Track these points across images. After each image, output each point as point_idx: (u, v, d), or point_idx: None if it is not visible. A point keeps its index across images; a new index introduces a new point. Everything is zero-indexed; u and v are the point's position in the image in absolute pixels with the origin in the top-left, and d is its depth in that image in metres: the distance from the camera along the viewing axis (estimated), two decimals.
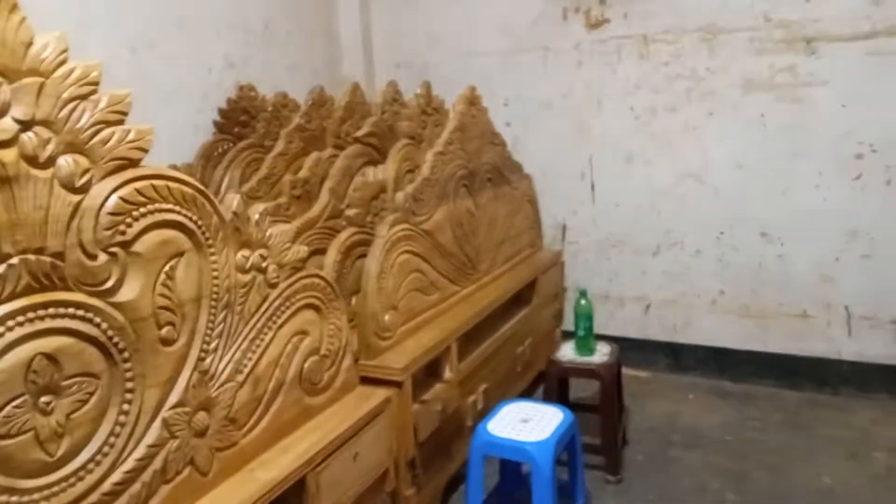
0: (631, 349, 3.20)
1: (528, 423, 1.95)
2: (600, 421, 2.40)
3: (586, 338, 2.45)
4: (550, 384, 2.47)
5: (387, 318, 2.02)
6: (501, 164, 2.94)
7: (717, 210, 3.09)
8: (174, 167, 2.72)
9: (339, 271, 2.16)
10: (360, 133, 2.59)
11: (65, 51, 0.99)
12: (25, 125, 0.94)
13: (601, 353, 2.47)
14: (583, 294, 2.47)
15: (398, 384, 1.89)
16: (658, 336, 3.31)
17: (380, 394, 1.76)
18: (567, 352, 2.50)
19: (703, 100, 3.05)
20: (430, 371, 2.16)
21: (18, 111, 0.93)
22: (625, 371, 2.76)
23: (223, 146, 2.97)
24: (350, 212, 2.24)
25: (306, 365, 1.59)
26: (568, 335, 2.98)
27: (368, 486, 1.69)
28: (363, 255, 2.21)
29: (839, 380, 2.92)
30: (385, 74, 3.78)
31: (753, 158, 2.97)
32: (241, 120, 3.07)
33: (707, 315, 3.18)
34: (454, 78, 3.38)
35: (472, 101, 2.62)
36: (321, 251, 2.24)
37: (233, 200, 1.35)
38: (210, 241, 1.28)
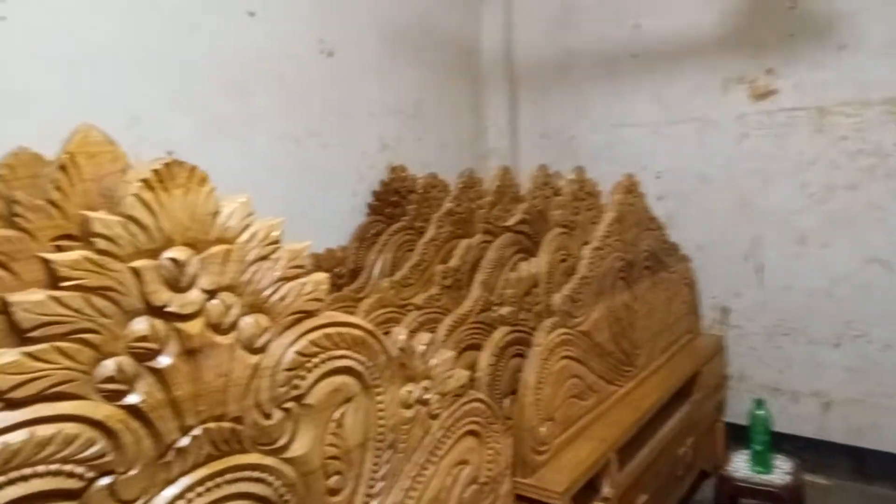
0: (805, 449, 2.86)
1: None
2: None
3: (763, 453, 2.19)
4: (719, 500, 2.22)
5: (543, 430, 1.90)
6: (658, 248, 2.76)
7: None
8: (331, 251, 2.82)
9: (493, 373, 2.07)
10: (510, 222, 2.53)
11: (250, 214, 0.99)
12: (212, 294, 0.94)
13: (780, 471, 2.19)
14: (759, 403, 2.22)
15: None
16: (839, 438, 2.92)
17: None
18: (740, 465, 2.25)
19: (892, 178, 2.71)
20: (586, 486, 2.00)
21: (205, 281, 0.93)
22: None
23: (376, 227, 3.02)
24: (503, 310, 2.16)
25: (466, 495, 1.50)
26: (733, 429, 2.71)
27: None
28: (517, 355, 2.12)
29: None
30: (530, 145, 3.74)
31: None
32: (392, 201, 3.12)
33: None
34: (601, 150, 3.27)
35: (630, 189, 2.48)
36: (473, 346, 2.17)
37: (399, 335, 1.30)
38: (377, 381, 1.24)
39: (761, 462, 2.18)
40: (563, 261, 2.40)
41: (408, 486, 1.33)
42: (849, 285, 2.84)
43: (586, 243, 2.30)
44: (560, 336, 1.99)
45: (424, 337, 1.39)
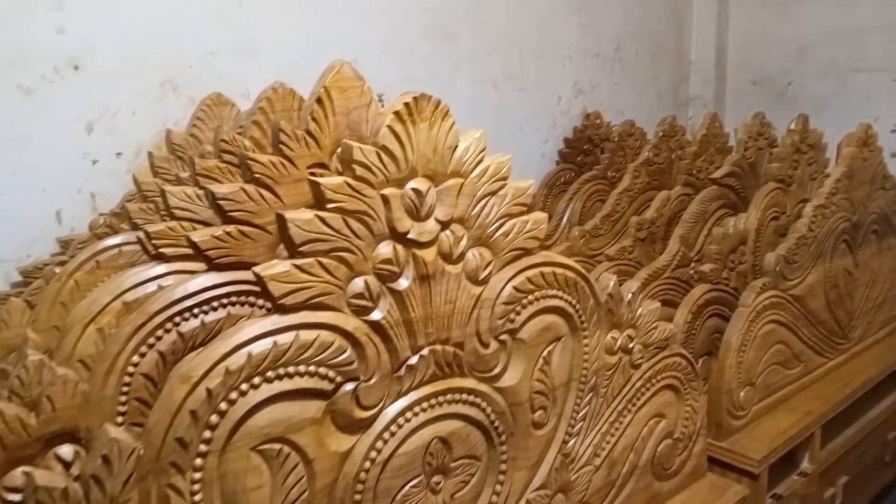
0: None
1: None
2: None
3: None
4: None
5: (742, 394, 1.81)
6: (890, 211, 2.44)
7: None
8: None
9: (689, 331, 1.99)
10: (717, 174, 2.37)
11: (483, 150, 1.02)
12: (445, 225, 0.99)
13: None
14: None
15: (753, 476, 1.67)
16: None
17: (735, 490, 1.58)
18: None
19: None
20: (786, 458, 1.88)
21: (441, 212, 0.98)
22: None
23: (566, 176, 2.99)
24: (705, 267, 2.05)
25: (659, 449, 1.48)
26: None
27: None
28: (715, 315, 2.02)
29: None
30: (737, 94, 3.45)
31: None
32: (584, 149, 3.05)
33: None
34: (825, 98, 2.93)
35: (865, 141, 2.20)
36: (667, 303, 2.09)
37: (609, 281, 1.29)
38: (585, 325, 1.25)
39: None
40: (776, 219, 2.21)
41: (605, 430, 1.34)
42: None
43: (806, 200, 2.10)
44: (770, 298, 1.86)
45: (632, 285, 1.36)
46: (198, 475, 0.80)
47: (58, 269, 1.30)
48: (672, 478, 1.54)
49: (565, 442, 1.25)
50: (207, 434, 0.80)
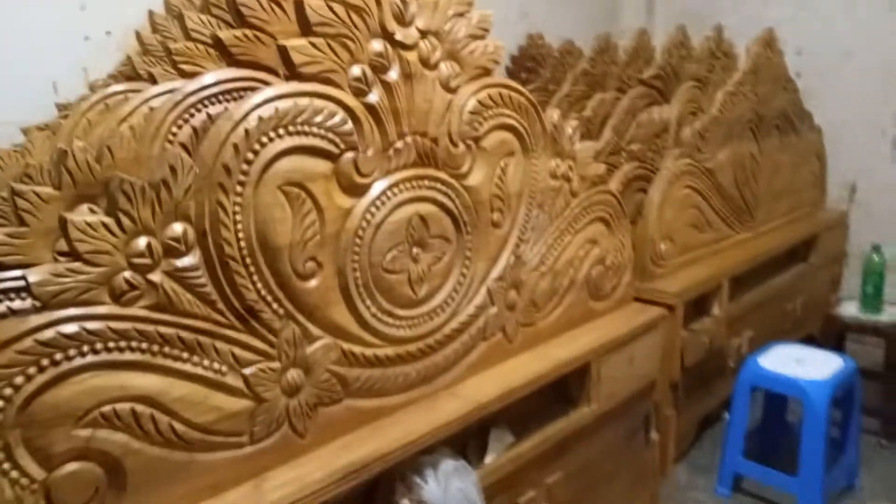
0: None
1: (803, 363, 1.94)
2: (881, 383, 2.27)
3: (875, 296, 2.31)
4: (827, 338, 2.37)
5: (663, 246, 2.13)
6: (791, 111, 2.81)
7: None
8: None
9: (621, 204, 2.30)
10: (644, 75, 2.67)
11: None
12: (423, 34, 1.23)
13: (889, 313, 2.31)
14: (876, 249, 2.32)
15: (671, 308, 1.99)
16: None
17: (655, 310, 1.89)
18: (850, 309, 2.38)
19: None
20: (699, 307, 2.22)
21: (420, 22, 1.22)
22: None
23: None
24: (633, 146, 2.35)
25: (593, 271, 1.77)
26: None
27: (638, 391, 1.84)
28: (641, 190, 2.32)
29: None
30: (668, 27, 3.75)
31: None
32: (527, 66, 3.31)
33: None
34: (743, 29, 3.25)
35: (768, 42, 2.54)
36: None
37: (554, 114, 1.55)
38: (533, 147, 1.51)
39: (872, 305, 2.30)
40: (693, 113, 2.53)
41: (550, 243, 1.62)
42: None
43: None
44: (685, 166, 2.18)
45: (573, 122, 1.63)
46: (238, 199, 1.02)
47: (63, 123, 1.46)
48: (604, 300, 1.84)
49: (518, 245, 1.52)
50: (245, 167, 1.02)
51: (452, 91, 1.30)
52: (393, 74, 1.19)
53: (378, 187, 1.21)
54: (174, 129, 1.10)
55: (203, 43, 1.27)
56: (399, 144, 1.23)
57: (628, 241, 1.89)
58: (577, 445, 1.66)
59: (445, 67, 1.28)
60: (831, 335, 2.34)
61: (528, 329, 1.60)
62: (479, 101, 1.35)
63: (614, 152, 2.52)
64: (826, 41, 3.20)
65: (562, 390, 1.66)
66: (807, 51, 3.24)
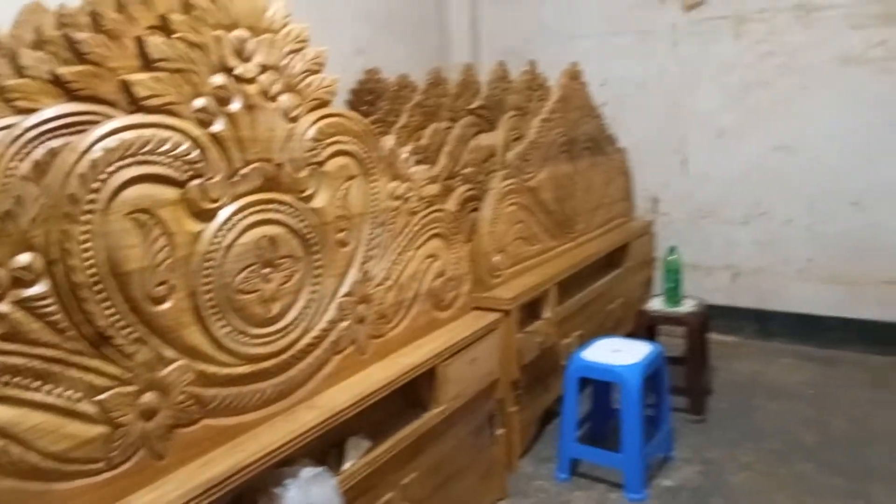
0: (719, 316, 3.37)
1: (620, 352, 2.22)
2: (686, 367, 2.63)
3: (675, 290, 2.68)
4: (640, 331, 2.71)
5: (496, 258, 2.34)
6: (598, 135, 3.20)
7: (809, 181, 3.22)
8: None
9: (455, 220, 2.49)
10: (473, 106, 2.92)
11: (288, 14, 1.36)
12: (263, 68, 1.32)
13: (688, 305, 2.69)
14: (672, 250, 2.70)
15: (506, 312, 2.20)
16: (746, 303, 3.47)
17: (492, 315, 2.08)
18: (656, 304, 2.74)
19: (797, 75, 3.19)
20: (532, 311, 2.46)
21: (259, 58, 1.31)
22: (713, 336, 2.97)
23: None
24: (465, 171, 2.57)
25: (435, 283, 1.93)
26: None
27: (483, 389, 2.01)
28: (475, 210, 2.54)
29: None
30: (491, 61, 4.09)
31: (845, 130, 3.09)
32: (367, 99, 3.47)
33: (795, 283, 3.32)
34: (556, 61, 3.63)
35: (574, 75, 2.89)
36: None
37: (389, 140, 1.70)
38: (372, 170, 1.64)
39: (672, 298, 2.67)
40: (516, 139, 2.81)
41: (394, 259, 1.75)
42: (758, 171, 3.34)
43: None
44: (511, 185, 2.42)
45: (408, 148, 1.79)
46: (87, 227, 1.04)
47: None
48: (447, 309, 2.00)
49: (364, 262, 1.64)
50: (92, 196, 1.05)
51: (293, 120, 1.40)
52: (235, 105, 1.27)
53: (226, 212, 1.27)
54: (14, 164, 1.10)
55: (39, 79, 1.27)
56: (245, 170, 1.31)
57: (464, 255, 2.08)
58: (429, 446, 1.78)
59: (285, 99, 1.38)
60: (643, 328, 2.68)
61: (379, 340, 1.71)
62: (319, 130, 1.46)
63: (450, 176, 2.72)
64: (624, 74, 3.66)
65: (413, 395, 1.79)
66: (610, 82, 3.69)
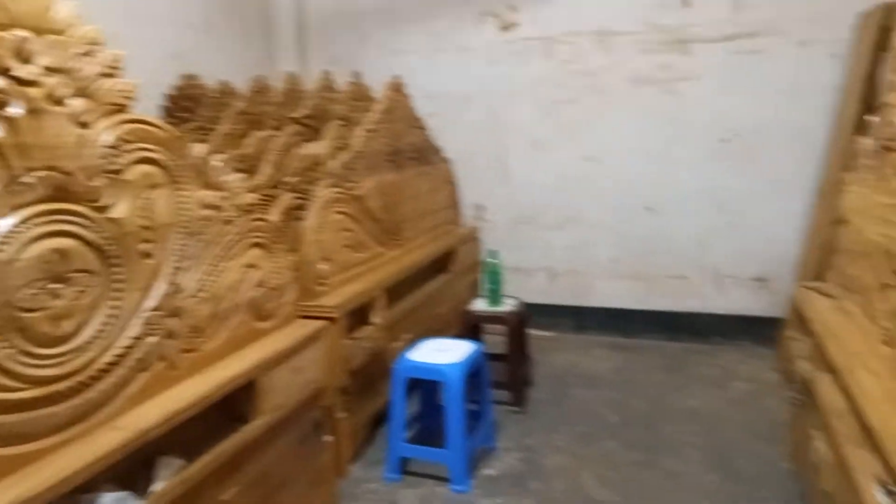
0: (539, 313, 3.62)
1: (443, 352, 2.32)
2: (507, 362, 2.80)
3: (496, 291, 2.85)
4: (464, 331, 2.84)
5: (323, 267, 2.35)
6: (423, 145, 3.32)
7: (612, 188, 3.56)
8: None
9: (280, 229, 2.47)
10: (297, 114, 2.91)
11: (78, 16, 1.29)
12: (49, 71, 1.24)
13: (508, 305, 2.87)
14: (492, 254, 2.86)
15: (333, 319, 2.22)
16: (562, 301, 3.76)
17: (317, 323, 2.09)
18: (479, 304, 2.89)
19: (599, 93, 3.52)
20: (361, 318, 2.50)
21: (43, 59, 1.23)
22: (533, 332, 3.18)
23: None
24: (290, 179, 2.55)
25: (256, 294, 1.90)
26: None
27: (307, 397, 2.01)
28: (300, 219, 2.53)
29: (710, 330, 3.44)
30: (318, 71, 4.09)
31: (640, 143, 3.47)
32: (185, 105, 3.32)
33: (603, 281, 3.66)
34: (382, 74, 3.72)
35: (397, 87, 2.98)
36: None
37: (201, 148, 1.65)
38: (180, 178, 1.59)
39: (494, 299, 2.84)
40: (341, 149, 2.84)
41: (208, 270, 1.70)
42: (570, 179, 3.64)
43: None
44: (335, 194, 2.45)
45: (221, 156, 1.75)
46: None
47: None
48: (269, 319, 1.98)
49: (174, 273, 1.58)
50: None
51: (84, 126, 1.33)
52: (15, 109, 1.18)
53: (5, 224, 1.18)
54: None
55: None
56: (28, 179, 1.22)
57: (287, 264, 2.07)
58: (250, 458, 1.75)
59: (75, 103, 1.30)
60: (468, 328, 2.82)
61: (193, 354, 1.66)
62: (117, 136, 1.40)
63: (274, 185, 2.69)
64: (447, 89, 3.83)
65: (233, 409, 1.75)
66: (436, 95, 3.84)
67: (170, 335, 1.57)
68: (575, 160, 3.63)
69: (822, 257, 2.62)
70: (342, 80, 3.15)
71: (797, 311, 2.35)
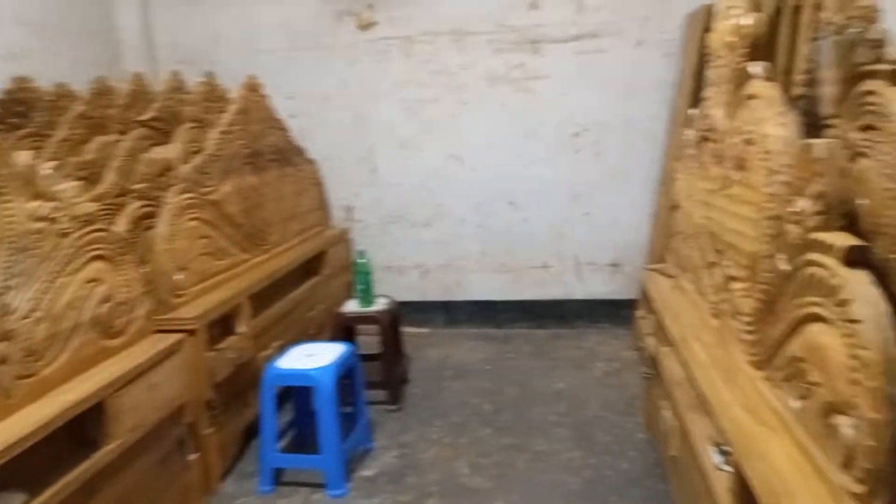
0: (413, 311, 3.67)
1: (313, 357, 2.29)
2: (382, 362, 2.81)
3: (366, 291, 2.84)
4: (337, 334, 2.82)
5: (179, 277, 2.24)
6: (285, 147, 3.25)
7: (475, 185, 3.66)
8: None
9: (129, 241, 2.32)
10: (144, 117, 2.75)
11: None
12: None
13: (380, 304, 2.88)
14: (361, 254, 2.86)
15: (192, 331, 2.12)
16: (434, 297, 3.82)
17: (173, 337, 1.99)
18: (351, 305, 2.88)
19: (458, 92, 3.60)
20: (225, 327, 2.40)
21: None
22: (407, 329, 3.21)
23: None
24: (138, 186, 2.41)
25: (101, 310, 1.78)
26: None
27: (167, 416, 1.91)
28: (151, 228, 2.40)
29: (574, 315, 3.63)
30: (167, 71, 3.89)
31: (499, 140, 3.59)
32: (17, 111, 3.04)
33: (472, 274, 3.76)
34: (239, 74, 3.60)
35: (253, 87, 2.90)
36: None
37: (25, 157, 1.53)
38: (4, 190, 1.46)
39: (365, 299, 2.83)
40: (195, 153, 2.72)
41: (43, 288, 1.58)
42: (436, 177, 3.70)
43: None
44: (189, 199, 2.34)
45: (50, 164, 1.63)
46: None
47: None
48: (119, 336, 1.86)
49: (2, 294, 1.45)
50: None
51: None
52: None
53: None
54: None
55: None
56: None
57: (136, 277, 1.95)
58: (105, 484, 1.65)
59: None
60: (341, 330, 2.79)
61: (30, 380, 1.53)
62: None
63: (121, 193, 2.53)
64: (309, 89, 3.77)
65: (83, 434, 1.63)
66: (298, 95, 3.77)
67: (2, 361, 1.44)
68: (440, 158, 3.69)
69: (665, 241, 2.85)
70: (195, 81, 3.01)
71: (644, 292, 2.54)
